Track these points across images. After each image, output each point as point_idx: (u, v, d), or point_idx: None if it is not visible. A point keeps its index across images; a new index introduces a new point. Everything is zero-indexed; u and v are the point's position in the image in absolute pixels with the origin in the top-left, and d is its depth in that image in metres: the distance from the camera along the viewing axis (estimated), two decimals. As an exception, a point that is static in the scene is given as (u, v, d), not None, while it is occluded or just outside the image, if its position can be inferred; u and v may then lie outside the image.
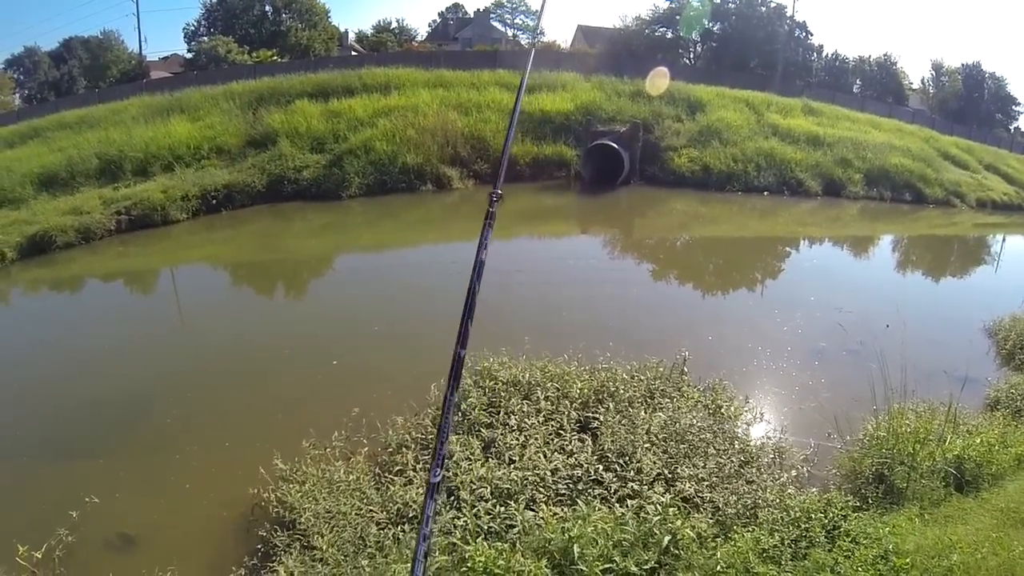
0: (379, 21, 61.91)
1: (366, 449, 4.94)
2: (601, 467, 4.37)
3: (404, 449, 4.82)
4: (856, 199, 21.74)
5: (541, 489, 4.18)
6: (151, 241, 14.22)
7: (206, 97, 22.42)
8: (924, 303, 11.21)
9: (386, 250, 14.29)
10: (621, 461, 4.45)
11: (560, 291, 10.28)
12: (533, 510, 3.90)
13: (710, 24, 40.79)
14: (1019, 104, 49.59)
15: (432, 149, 19.28)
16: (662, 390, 5.61)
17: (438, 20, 63.40)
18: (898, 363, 5.26)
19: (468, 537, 3.62)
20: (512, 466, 4.37)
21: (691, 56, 42.49)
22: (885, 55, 48.02)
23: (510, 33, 56.24)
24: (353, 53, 43.91)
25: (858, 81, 47.77)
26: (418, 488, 4.19)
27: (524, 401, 5.27)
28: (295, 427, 5.27)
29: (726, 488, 4.29)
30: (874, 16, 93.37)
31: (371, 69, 24.78)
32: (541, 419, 5.00)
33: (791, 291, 11.40)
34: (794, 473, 4.75)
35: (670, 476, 4.37)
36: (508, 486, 4.13)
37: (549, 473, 4.29)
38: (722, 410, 5.46)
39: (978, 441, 4.78)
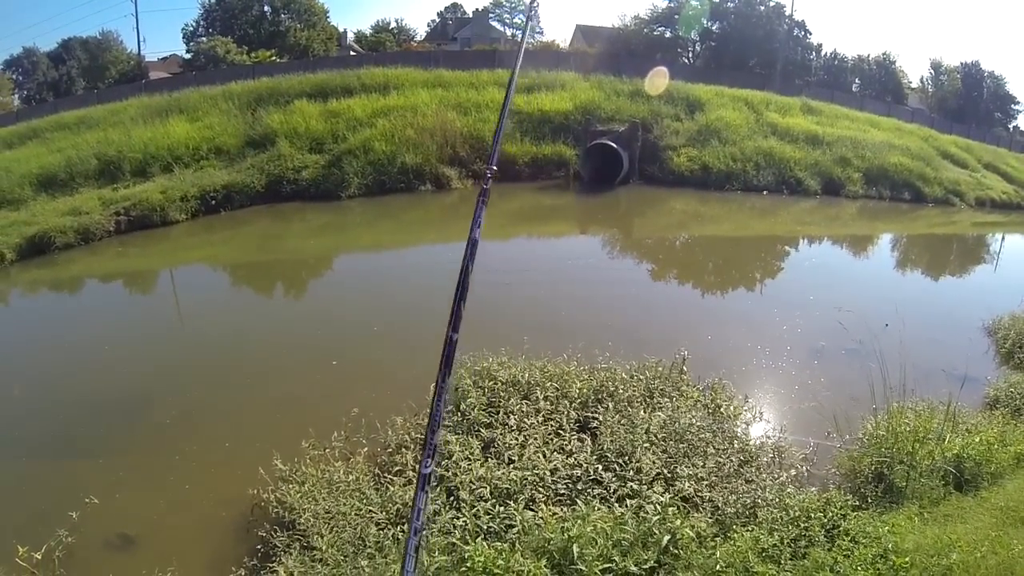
0: (378, 21, 61.78)
1: (365, 449, 4.94)
2: (600, 467, 4.38)
3: (403, 449, 4.83)
4: (855, 198, 21.75)
5: (540, 489, 4.18)
6: (150, 242, 14.21)
7: (205, 97, 22.40)
8: (923, 302, 11.21)
9: (385, 250, 14.29)
10: (620, 461, 4.45)
11: (559, 291, 10.28)
12: (532, 510, 3.91)
13: (709, 23, 40.78)
14: (1018, 103, 49.60)
15: (431, 149, 19.27)
16: (661, 390, 5.61)
17: (437, 20, 63.41)
18: (897, 362, 5.27)
19: (467, 537, 3.62)
20: (511, 466, 4.37)
21: (690, 55, 42.48)
22: (884, 54, 48.05)
23: (509, 33, 56.16)
24: (352, 53, 43.93)
25: (857, 80, 47.74)
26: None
27: (523, 401, 5.27)
28: (294, 427, 5.27)
29: (725, 487, 4.29)
30: (873, 15, 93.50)
31: (370, 69, 24.76)
32: (540, 419, 5.00)
33: (790, 290, 11.41)
34: (793, 472, 4.75)
35: (669, 476, 4.37)
36: (507, 486, 4.14)
37: (548, 473, 4.29)
38: (721, 409, 5.46)
39: (977, 440, 4.78)
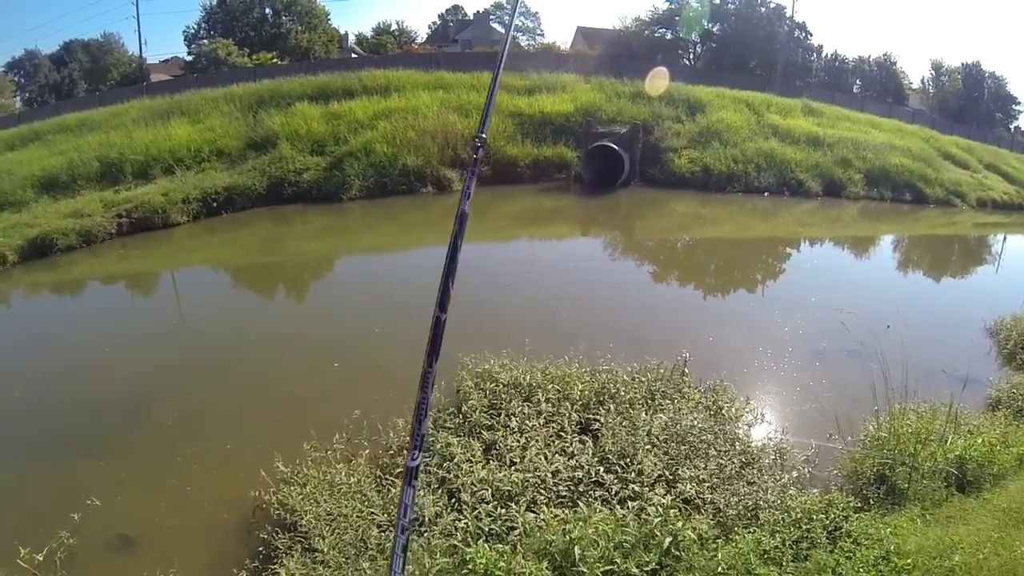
0: (379, 23, 61.82)
1: (367, 451, 4.94)
2: (602, 469, 4.37)
3: (405, 451, 4.81)
4: (856, 199, 21.74)
5: (542, 491, 4.18)
6: (152, 244, 14.23)
7: (206, 100, 22.44)
8: (925, 303, 11.20)
9: (386, 252, 14.31)
10: (622, 463, 4.45)
11: (561, 292, 10.28)
12: (534, 512, 3.90)
13: (709, 25, 40.74)
14: (1019, 103, 49.41)
15: (432, 151, 19.29)
16: (663, 391, 5.60)
17: (438, 22, 63.40)
18: (899, 363, 5.27)
19: (469, 539, 3.62)
20: (513, 468, 4.37)
21: (691, 57, 42.46)
22: (885, 55, 47.98)
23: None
24: (353, 55, 43.96)
25: (858, 81, 47.70)
26: (418, 490, 4.18)
27: (525, 403, 5.27)
28: (296, 429, 5.28)
29: (727, 489, 4.28)
30: (873, 16, 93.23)
31: (371, 71, 24.78)
32: (542, 421, 5.00)
33: (792, 292, 11.40)
34: (795, 474, 4.74)
35: (671, 478, 4.37)
36: (509, 488, 4.14)
37: (550, 475, 4.29)
38: (723, 411, 5.45)
39: (980, 441, 4.77)
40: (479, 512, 3.89)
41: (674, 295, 11.21)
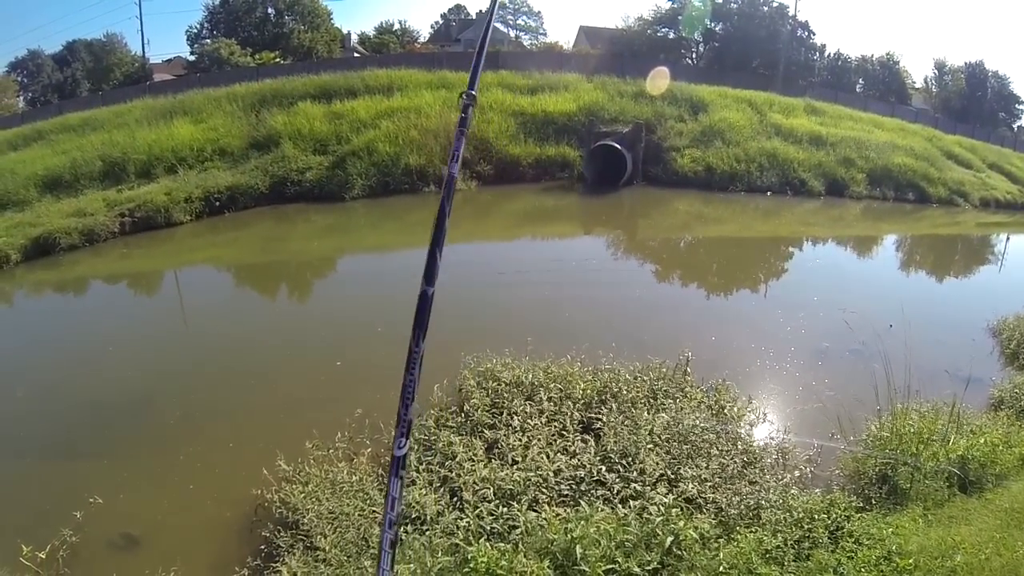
0: (381, 23, 61.90)
1: (369, 450, 4.96)
2: (604, 468, 4.37)
3: (407, 450, 4.82)
4: (859, 199, 21.68)
5: (544, 490, 4.18)
6: (155, 243, 14.27)
7: (209, 99, 22.49)
8: (927, 303, 11.17)
9: (389, 251, 14.32)
10: (624, 462, 4.45)
11: (563, 291, 10.28)
12: (536, 511, 3.91)
13: (712, 24, 40.70)
14: (1022, 103, 49.27)
15: (435, 150, 19.28)
16: (665, 391, 5.60)
17: (440, 21, 63.40)
18: (901, 363, 5.26)
19: (471, 538, 3.62)
20: (515, 467, 4.37)
21: (693, 56, 42.41)
22: (887, 54, 47.80)
23: (512, 34, 56.22)
24: (355, 55, 43.98)
25: (860, 80, 47.55)
26: (420, 489, 4.19)
27: (527, 402, 5.27)
28: (298, 428, 5.29)
29: (729, 489, 4.28)
30: (876, 15, 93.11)
31: (373, 71, 24.83)
32: (544, 420, 5.01)
33: (794, 291, 11.38)
34: (797, 474, 4.74)
35: (673, 477, 4.37)
36: (511, 487, 4.14)
37: (552, 474, 4.29)
38: (725, 411, 5.45)
39: (982, 441, 4.76)
40: (481, 511, 3.89)
41: (676, 294, 11.20)
